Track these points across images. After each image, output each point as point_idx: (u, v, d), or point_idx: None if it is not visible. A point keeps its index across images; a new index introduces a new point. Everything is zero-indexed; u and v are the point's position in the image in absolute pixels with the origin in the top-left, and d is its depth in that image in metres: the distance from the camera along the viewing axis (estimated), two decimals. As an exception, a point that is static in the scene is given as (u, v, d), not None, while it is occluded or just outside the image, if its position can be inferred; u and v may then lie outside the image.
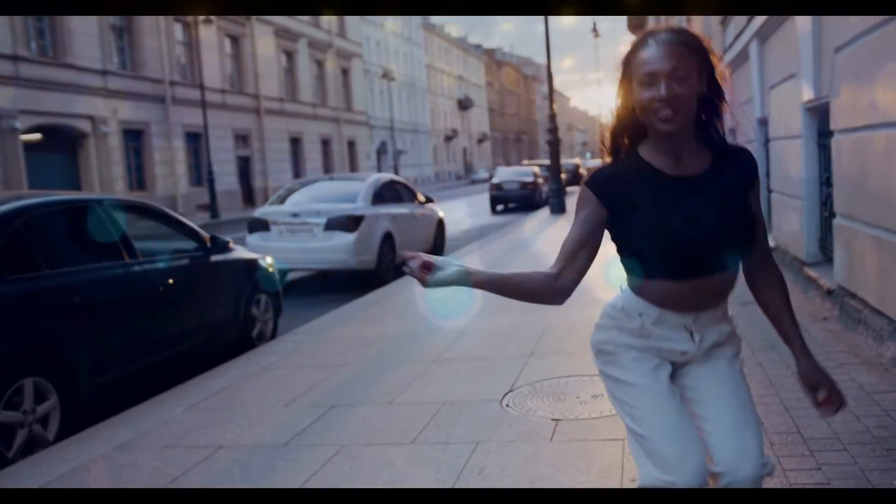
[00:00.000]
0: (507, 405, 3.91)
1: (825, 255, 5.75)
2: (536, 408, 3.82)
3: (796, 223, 6.22)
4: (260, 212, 9.86)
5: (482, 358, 4.98)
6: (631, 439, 1.86)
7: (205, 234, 5.88)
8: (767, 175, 7.89)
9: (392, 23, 56.99)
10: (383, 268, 9.54)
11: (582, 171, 38.34)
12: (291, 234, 9.32)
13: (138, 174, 26.54)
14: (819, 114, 5.63)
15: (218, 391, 4.71)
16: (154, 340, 5.03)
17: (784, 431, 3.16)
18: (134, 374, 4.85)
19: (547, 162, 26.28)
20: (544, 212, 18.99)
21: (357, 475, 3.17)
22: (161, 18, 27.04)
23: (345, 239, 9.09)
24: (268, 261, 6.78)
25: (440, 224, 12.04)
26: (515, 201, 23.62)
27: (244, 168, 32.72)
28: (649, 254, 1.80)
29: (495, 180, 24.35)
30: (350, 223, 9.17)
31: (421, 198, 11.55)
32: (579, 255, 1.90)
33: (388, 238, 9.73)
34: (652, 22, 27.97)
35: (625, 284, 1.92)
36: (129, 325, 4.80)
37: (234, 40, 32.60)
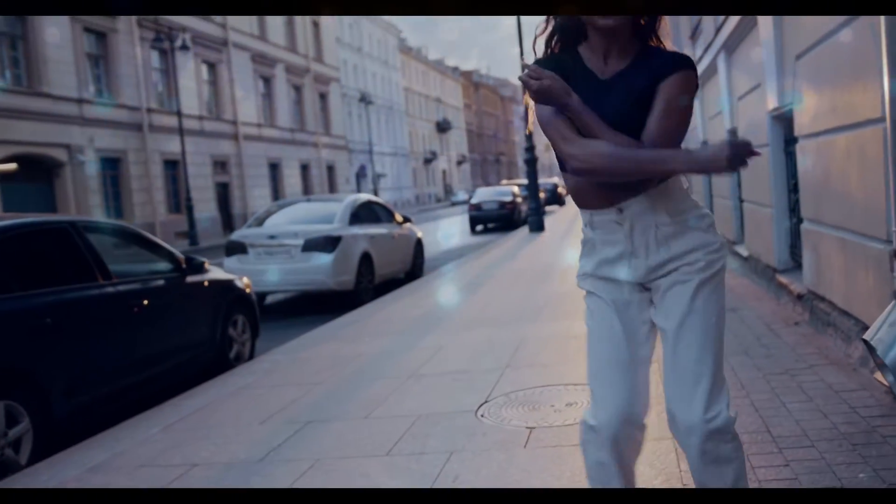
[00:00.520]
0: (482, 415, 3.91)
1: (795, 261, 5.84)
2: (511, 417, 3.83)
3: (767, 231, 6.31)
4: (237, 234, 9.85)
5: (458, 371, 4.98)
6: None
7: (180, 255, 5.87)
8: (739, 185, 8.00)
9: (369, 46, 57.33)
10: (361, 288, 9.54)
11: (561, 189, 38.64)
12: (269, 255, 9.30)
13: (116, 202, 26.35)
14: (784, 122, 5.74)
15: (194, 411, 4.67)
16: (129, 362, 4.99)
17: (754, 430, 3.19)
18: (109, 396, 4.81)
19: (526, 181, 26.50)
20: (523, 231, 19.08)
21: (331, 487, 3.16)
22: (137, 46, 27.03)
23: (322, 260, 9.09)
24: (244, 281, 6.77)
25: (419, 244, 12.07)
26: (495, 221, 23.71)
27: (223, 194, 32.61)
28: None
29: (474, 200, 24.44)
30: (327, 244, 9.17)
31: (399, 218, 11.58)
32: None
33: (366, 258, 9.73)
34: None
35: None
36: (104, 346, 4.77)
37: (212, 66, 32.62)
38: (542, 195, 19.98)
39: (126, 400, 4.92)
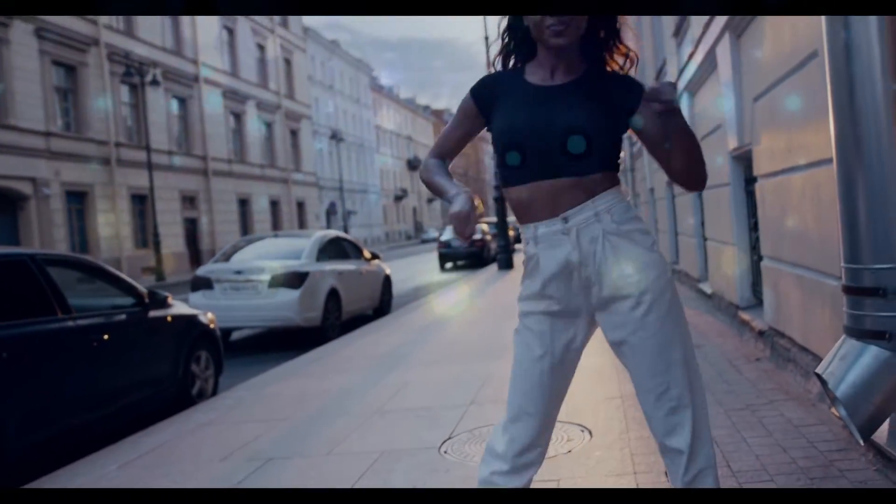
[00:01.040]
0: (445, 452, 3.88)
1: (757, 298, 5.93)
2: (474, 453, 3.80)
3: (729, 268, 6.41)
4: (203, 269, 9.75)
5: (422, 408, 4.95)
6: None
7: (142, 290, 5.80)
8: (703, 224, 8.13)
9: (340, 84, 57.69)
10: (328, 324, 9.48)
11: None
12: (235, 291, 9.22)
13: (81, 237, 26.00)
14: (744, 161, 5.87)
15: (153, 448, 4.58)
16: (88, 398, 4.89)
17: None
18: (67, 432, 4.70)
19: (495, 219, 26.67)
20: (492, 268, 19.16)
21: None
22: (107, 79, 26.92)
23: (289, 296, 9.03)
24: (209, 317, 6.69)
25: (387, 280, 12.05)
26: (464, 258, 23.78)
27: (191, 230, 32.34)
28: (501, 154, 1.94)
29: (444, 238, 24.51)
30: (294, 280, 9.12)
31: (367, 254, 11.57)
32: (451, 150, 2.19)
33: (333, 294, 9.69)
34: None
35: None
36: (62, 382, 4.66)
37: (182, 101, 32.57)
38: (511, 233, 20.09)
39: (84, 437, 4.82)
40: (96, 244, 26.33)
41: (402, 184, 73.18)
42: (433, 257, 28.20)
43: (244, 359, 8.54)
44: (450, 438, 4.10)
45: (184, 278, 26.05)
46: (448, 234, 24.68)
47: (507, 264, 18.00)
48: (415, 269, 23.73)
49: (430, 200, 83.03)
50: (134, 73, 25.90)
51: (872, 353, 2.13)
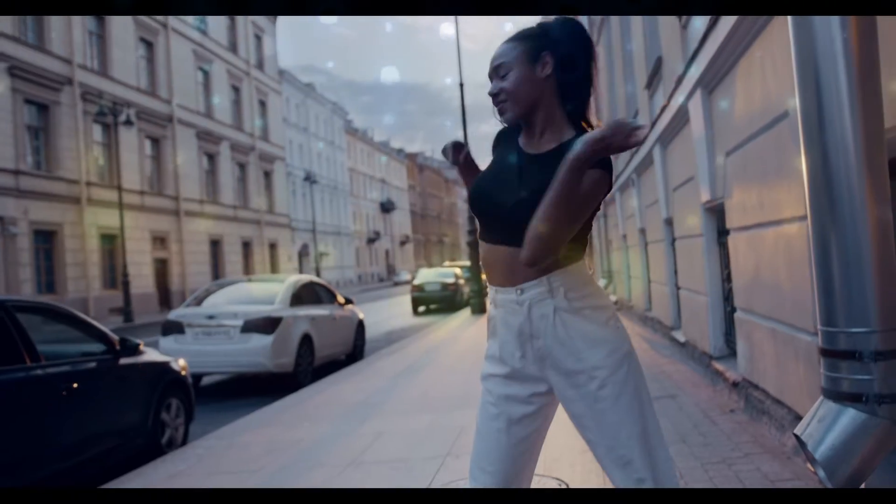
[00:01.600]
0: (423, 506, 3.83)
1: (731, 348, 5.98)
2: (452, 507, 3.76)
3: (703, 318, 6.47)
4: (174, 314, 9.61)
5: (398, 460, 4.89)
6: None
7: (114, 337, 5.70)
8: (676, 273, 8.23)
9: (315, 126, 57.97)
10: (301, 370, 9.37)
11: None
12: (207, 336, 9.10)
13: (48, 276, 25.59)
14: (717, 213, 5.98)
15: (120, 502, 4.45)
16: (56, 449, 4.76)
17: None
18: (33, 484, 4.56)
19: (468, 263, 26.73)
20: (465, 312, 19.15)
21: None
22: (80, 118, 26.79)
23: (262, 341, 8.93)
24: (180, 363, 6.59)
25: (360, 325, 11.98)
26: (437, 302, 23.75)
27: (161, 270, 31.98)
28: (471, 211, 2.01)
29: (417, 281, 24.49)
30: (268, 325, 9.03)
31: (340, 299, 11.51)
32: None
33: (306, 340, 9.60)
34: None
35: None
36: (28, 432, 4.55)
37: (155, 142, 32.47)
38: (484, 277, 20.14)
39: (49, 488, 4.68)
40: (63, 284, 25.93)
41: (375, 226, 73.28)
42: (406, 300, 28.13)
43: (214, 405, 8.40)
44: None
45: (153, 319, 25.70)
46: (421, 279, 24.67)
47: (480, 309, 18.00)
48: (388, 313, 23.62)
49: (402, 243, 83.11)
50: (107, 113, 25.82)
51: (850, 416, 2.16)
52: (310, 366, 9.65)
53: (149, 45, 32.65)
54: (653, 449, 1.90)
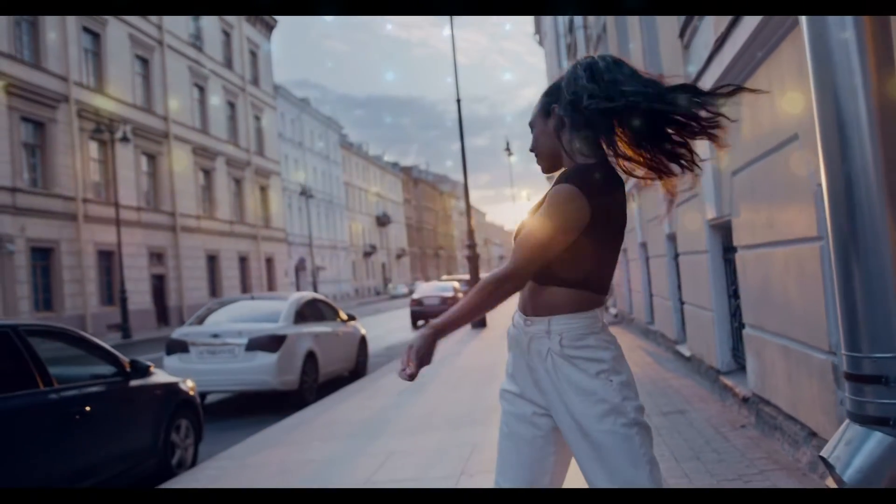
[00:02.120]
0: (442, 527, 3.84)
1: (738, 363, 6.03)
2: (471, 529, 3.77)
3: (709, 334, 6.52)
4: (178, 332, 9.61)
5: (412, 479, 4.90)
6: None
7: (124, 359, 5.72)
8: (679, 287, 8.28)
9: (310, 141, 58.08)
10: (306, 388, 9.38)
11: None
12: (211, 354, 9.11)
13: (45, 294, 25.53)
14: (722, 230, 6.03)
15: (136, 525, 4.46)
16: (69, 473, 4.77)
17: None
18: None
19: (467, 277, 26.72)
20: (466, 327, 19.12)
21: None
22: (76, 136, 26.83)
23: (267, 359, 8.94)
24: (188, 384, 6.60)
25: (362, 342, 12.00)
26: (436, 316, 23.65)
27: (159, 286, 31.95)
28: None
29: (416, 295, 24.51)
30: (272, 343, 9.04)
31: (343, 316, 11.53)
32: None
33: (310, 357, 9.62)
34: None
35: None
36: (43, 457, 4.56)
37: (151, 158, 32.50)
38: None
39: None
40: (61, 301, 25.87)
41: (370, 240, 73.32)
42: (403, 314, 28.13)
43: (220, 423, 8.40)
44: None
45: (151, 336, 25.69)
46: (420, 293, 24.69)
47: (480, 323, 18.02)
48: (387, 327, 23.61)
49: (398, 256, 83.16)
50: (104, 130, 25.86)
51: (877, 439, 2.20)
52: (314, 383, 9.66)
53: (144, 62, 32.74)
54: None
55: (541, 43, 43.75)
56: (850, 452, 2.24)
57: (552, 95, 2.04)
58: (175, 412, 6.14)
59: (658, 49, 7.94)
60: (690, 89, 1.96)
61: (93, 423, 5.06)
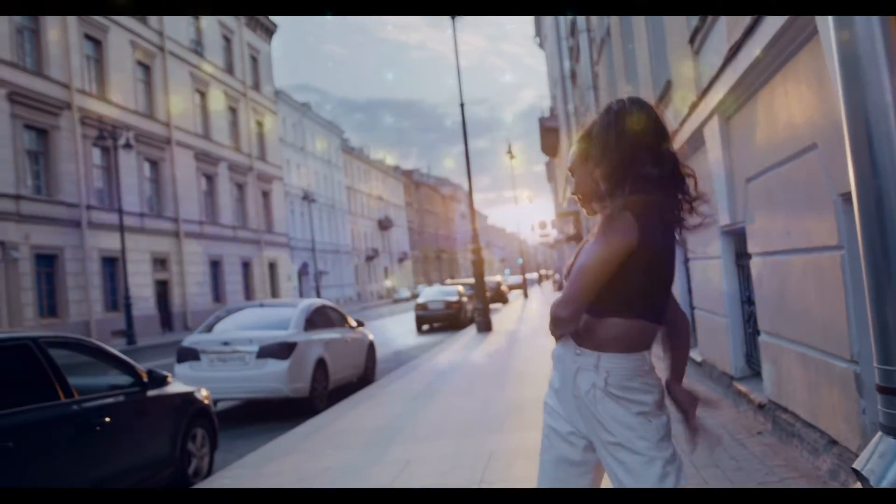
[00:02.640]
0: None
1: (752, 369, 6.04)
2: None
3: (722, 339, 6.53)
4: (189, 340, 9.63)
5: (431, 489, 4.92)
6: None
7: (141, 369, 5.74)
8: (689, 292, 8.29)
9: (312, 146, 58.15)
10: (316, 395, 9.40)
11: (503, 287, 39.10)
12: (222, 362, 9.13)
13: (49, 300, 25.59)
14: (735, 236, 6.05)
15: (158, 536, 4.48)
16: (88, 484, 4.79)
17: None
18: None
19: (470, 280, 26.79)
20: (471, 330, 19.17)
21: None
22: (79, 142, 26.89)
23: (278, 366, 8.96)
24: (203, 393, 6.62)
25: (371, 348, 12.01)
26: (441, 320, 23.80)
27: (162, 292, 31.99)
28: None
29: (421, 300, 24.54)
30: (283, 350, 9.07)
31: (351, 322, 11.55)
32: None
33: (320, 364, 9.63)
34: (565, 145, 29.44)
35: None
36: (65, 468, 4.58)
37: (154, 164, 32.57)
38: (487, 294, 20.20)
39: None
40: (65, 308, 25.92)
41: (373, 243, 73.35)
42: (408, 318, 28.18)
43: (231, 431, 8.40)
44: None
45: (155, 342, 25.72)
46: (425, 297, 24.72)
47: (486, 327, 18.04)
48: (392, 332, 23.62)
49: (400, 260, 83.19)
50: (107, 137, 25.91)
51: (911, 451, 2.22)
52: (325, 390, 9.68)
53: (146, 69, 32.81)
54: None
55: (541, 45, 43.83)
56: (885, 465, 2.26)
57: (587, 140, 2.10)
58: (191, 421, 6.16)
59: (665, 54, 7.96)
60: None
61: (112, 433, 5.08)
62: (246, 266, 40.65)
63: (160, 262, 32.01)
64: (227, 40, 41.54)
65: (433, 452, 5.94)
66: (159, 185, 32.84)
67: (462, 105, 19.00)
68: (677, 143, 7.15)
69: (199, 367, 9.15)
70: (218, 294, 36.60)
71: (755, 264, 5.21)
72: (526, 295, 42.87)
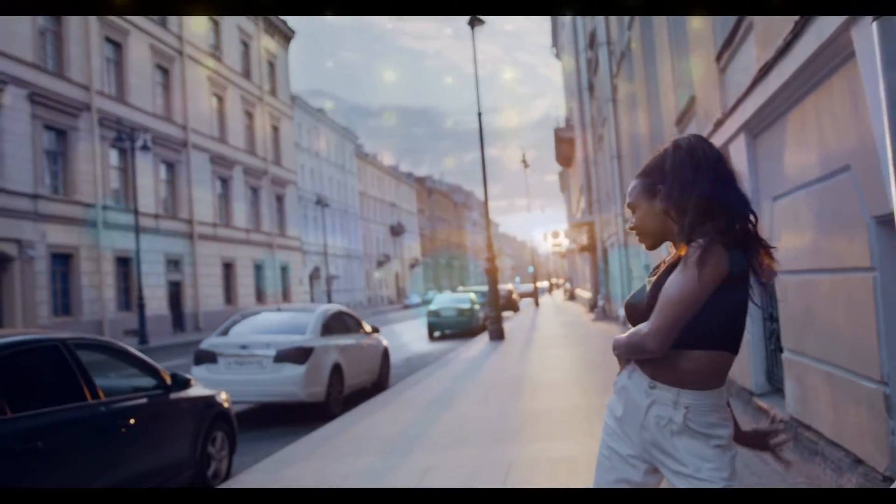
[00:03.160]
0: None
1: (773, 385, 6.04)
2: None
3: (743, 355, 6.53)
4: (207, 343, 9.69)
5: (453, 496, 4.94)
6: None
7: (165, 372, 5.80)
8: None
9: (326, 151, 58.38)
10: (332, 400, 9.44)
11: (514, 296, 39.08)
12: (240, 365, 9.19)
13: (64, 299, 25.78)
14: (758, 254, 6.05)
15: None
16: (114, 485, 4.84)
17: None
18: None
19: (482, 288, 26.78)
20: (483, 338, 19.18)
21: None
22: (97, 143, 27.11)
23: (295, 371, 9.01)
24: (223, 396, 6.67)
25: (385, 354, 12.05)
26: (453, 327, 23.81)
27: (175, 293, 32.16)
28: None
29: (433, 307, 24.56)
30: (300, 355, 9.12)
31: (367, 328, 11.59)
32: None
33: (336, 369, 9.68)
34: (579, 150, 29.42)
35: None
36: (91, 469, 4.63)
37: (170, 166, 32.79)
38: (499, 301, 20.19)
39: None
40: (79, 307, 26.10)
41: (384, 249, 73.50)
42: (418, 324, 28.18)
43: (247, 434, 8.43)
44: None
45: (167, 342, 25.85)
46: (437, 304, 24.75)
47: (498, 335, 18.04)
48: (404, 338, 23.64)
49: (411, 266, 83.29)
50: (125, 138, 26.13)
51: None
52: (340, 395, 9.72)
53: (165, 72, 33.07)
54: None
55: (557, 56, 43.88)
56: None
57: (654, 175, 2.10)
58: (211, 424, 6.21)
59: (689, 69, 7.98)
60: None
61: (136, 435, 5.14)
62: (258, 269, 40.81)
63: (173, 264, 32.20)
64: (245, 45, 41.80)
65: (452, 461, 5.96)
66: (174, 187, 33.05)
67: (480, 115, 19.06)
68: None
69: (217, 369, 9.21)
70: (230, 296, 36.76)
71: (780, 282, 5.21)
72: (537, 304, 42.82)
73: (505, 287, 38.37)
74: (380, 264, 70.89)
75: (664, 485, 2.13)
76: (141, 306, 25.67)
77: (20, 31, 24.11)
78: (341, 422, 8.34)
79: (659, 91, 10.47)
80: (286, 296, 43.63)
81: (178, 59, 33.80)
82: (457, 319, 23.77)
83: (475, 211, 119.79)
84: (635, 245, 15.21)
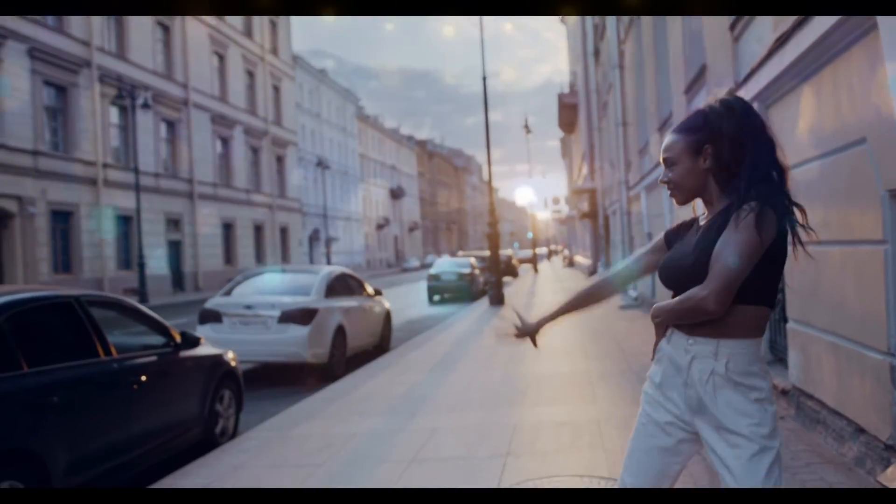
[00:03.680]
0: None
1: (775, 355, 6.11)
2: None
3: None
4: (212, 303, 9.75)
5: (458, 458, 5.04)
6: None
7: (175, 330, 5.85)
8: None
9: (327, 112, 58.01)
10: (335, 361, 9.53)
11: (514, 261, 39.17)
12: (244, 325, 9.25)
13: (64, 256, 25.80)
14: (765, 224, 6.08)
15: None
16: (126, 440, 4.93)
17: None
18: (104, 475, 4.72)
19: (482, 253, 26.80)
20: (483, 303, 19.27)
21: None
22: (97, 101, 26.92)
23: (299, 332, 9.08)
24: (230, 355, 6.74)
25: (387, 316, 12.14)
26: (452, 292, 23.89)
27: (174, 252, 32.19)
28: None
29: (433, 271, 24.63)
30: (304, 316, 9.18)
31: (369, 290, 11.65)
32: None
33: (340, 331, 9.75)
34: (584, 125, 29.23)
35: None
36: (105, 424, 4.71)
37: (170, 125, 32.60)
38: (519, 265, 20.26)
39: (118, 479, 4.84)
40: (79, 264, 26.14)
41: (384, 212, 73.42)
42: (418, 287, 28.28)
43: (252, 393, 8.54)
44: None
45: (167, 301, 25.96)
46: (437, 268, 24.81)
47: (498, 300, 18.13)
48: (403, 302, 23.74)
49: (411, 229, 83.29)
50: (125, 96, 25.93)
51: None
52: (343, 356, 9.81)
53: (165, 29, 32.72)
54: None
55: (563, 20, 43.39)
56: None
57: (700, 133, 2.10)
58: (219, 383, 6.29)
59: (701, 38, 7.93)
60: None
61: (148, 392, 5.21)
62: (258, 230, 40.81)
63: (173, 223, 32.18)
64: (247, 2, 41.22)
65: (459, 422, 6.06)
66: (175, 146, 32.89)
67: (484, 79, 18.92)
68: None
69: (221, 328, 9.27)
70: (230, 257, 36.83)
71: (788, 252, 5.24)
72: (536, 269, 42.93)
73: (504, 252, 38.40)
74: (379, 227, 70.86)
75: (686, 476, 2.17)
76: (141, 265, 25.71)
77: (20, -16, 23.75)
78: (345, 382, 8.44)
79: (668, 58, 10.40)
80: (285, 257, 43.68)
81: (179, 17, 33.40)
82: (457, 284, 23.85)
83: (475, 175, 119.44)
84: (638, 212, 15.23)
